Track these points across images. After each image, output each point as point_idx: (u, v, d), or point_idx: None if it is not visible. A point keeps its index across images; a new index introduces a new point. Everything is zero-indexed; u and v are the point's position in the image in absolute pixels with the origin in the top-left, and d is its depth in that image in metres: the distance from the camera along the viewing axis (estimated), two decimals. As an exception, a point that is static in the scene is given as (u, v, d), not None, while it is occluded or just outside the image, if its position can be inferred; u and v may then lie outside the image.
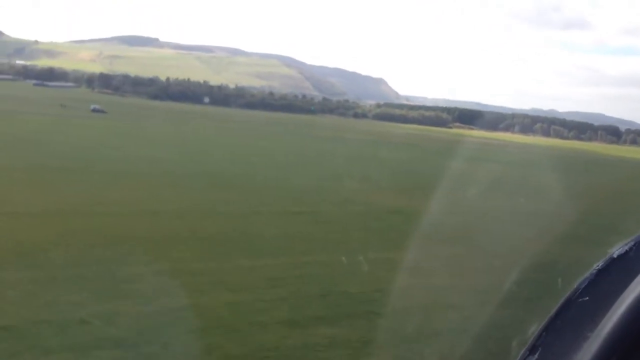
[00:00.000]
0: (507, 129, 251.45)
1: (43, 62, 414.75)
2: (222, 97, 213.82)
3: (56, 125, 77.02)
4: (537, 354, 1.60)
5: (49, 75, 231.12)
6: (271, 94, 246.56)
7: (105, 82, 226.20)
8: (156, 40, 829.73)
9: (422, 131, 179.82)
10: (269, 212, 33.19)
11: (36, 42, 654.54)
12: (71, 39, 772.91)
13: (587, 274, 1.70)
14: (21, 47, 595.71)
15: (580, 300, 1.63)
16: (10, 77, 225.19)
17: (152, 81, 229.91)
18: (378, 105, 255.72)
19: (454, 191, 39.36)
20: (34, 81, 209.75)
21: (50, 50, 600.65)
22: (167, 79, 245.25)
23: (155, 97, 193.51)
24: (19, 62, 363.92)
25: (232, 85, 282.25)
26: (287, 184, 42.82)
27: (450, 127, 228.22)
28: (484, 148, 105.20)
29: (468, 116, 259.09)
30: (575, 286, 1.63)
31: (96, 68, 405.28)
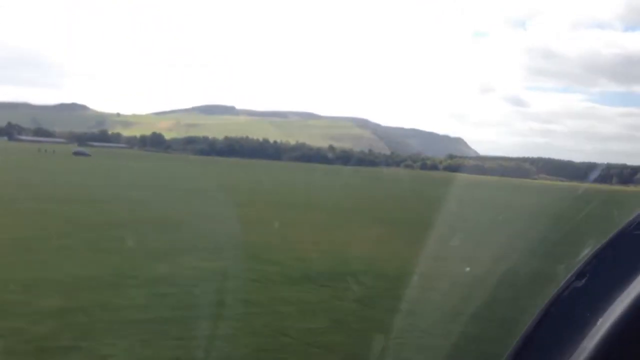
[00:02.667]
0: (603, 180, 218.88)
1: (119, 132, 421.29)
2: (274, 151, 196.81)
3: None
4: (584, 280, 1.55)
5: (102, 138, 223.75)
6: (331, 147, 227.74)
7: (157, 143, 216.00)
8: (232, 108, 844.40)
9: (498, 180, 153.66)
10: None
11: (118, 114, 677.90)
12: (153, 111, 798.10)
13: None
14: (102, 120, 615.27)
15: (636, 232, 1.56)
16: (64, 140, 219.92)
17: (205, 140, 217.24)
18: (450, 157, 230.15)
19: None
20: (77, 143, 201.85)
21: (129, 122, 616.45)
22: (226, 137, 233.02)
23: (200, 152, 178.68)
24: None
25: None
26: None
27: (535, 179, 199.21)
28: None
29: (555, 167, 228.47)
30: (631, 218, 1.55)
31: (172, 136, 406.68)
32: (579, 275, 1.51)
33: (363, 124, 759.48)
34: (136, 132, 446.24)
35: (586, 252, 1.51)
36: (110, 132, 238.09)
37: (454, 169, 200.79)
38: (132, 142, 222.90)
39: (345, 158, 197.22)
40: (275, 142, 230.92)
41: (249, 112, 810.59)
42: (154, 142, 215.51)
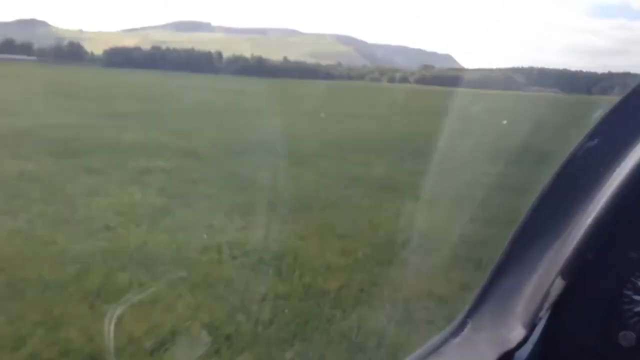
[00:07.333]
0: (604, 92, 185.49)
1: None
2: (205, 62, 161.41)
3: None
4: (596, 140, 1.56)
5: (5, 48, 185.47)
6: (285, 59, 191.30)
7: (76, 53, 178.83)
8: (208, 24, 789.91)
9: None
10: None
11: (81, 31, 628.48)
12: (122, 28, 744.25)
13: None
14: (63, 37, 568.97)
15: None
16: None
17: (131, 50, 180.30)
18: (424, 67, 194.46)
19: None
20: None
21: (92, 39, 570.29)
22: (165, 48, 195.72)
23: (110, 64, 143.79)
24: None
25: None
26: None
27: (526, 91, 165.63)
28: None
29: (550, 77, 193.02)
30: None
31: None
32: (591, 136, 1.56)
33: (348, 41, 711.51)
34: (99, 49, 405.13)
35: (597, 115, 1.59)
36: (19, 43, 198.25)
37: (428, 81, 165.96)
38: (45, 53, 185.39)
39: (292, 71, 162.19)
40: (219, 53, 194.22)
41: (225, 29, 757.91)
42: (72, 54, 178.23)
